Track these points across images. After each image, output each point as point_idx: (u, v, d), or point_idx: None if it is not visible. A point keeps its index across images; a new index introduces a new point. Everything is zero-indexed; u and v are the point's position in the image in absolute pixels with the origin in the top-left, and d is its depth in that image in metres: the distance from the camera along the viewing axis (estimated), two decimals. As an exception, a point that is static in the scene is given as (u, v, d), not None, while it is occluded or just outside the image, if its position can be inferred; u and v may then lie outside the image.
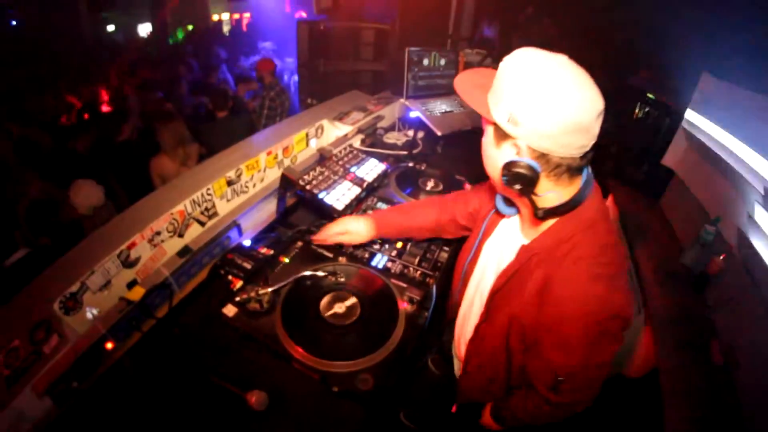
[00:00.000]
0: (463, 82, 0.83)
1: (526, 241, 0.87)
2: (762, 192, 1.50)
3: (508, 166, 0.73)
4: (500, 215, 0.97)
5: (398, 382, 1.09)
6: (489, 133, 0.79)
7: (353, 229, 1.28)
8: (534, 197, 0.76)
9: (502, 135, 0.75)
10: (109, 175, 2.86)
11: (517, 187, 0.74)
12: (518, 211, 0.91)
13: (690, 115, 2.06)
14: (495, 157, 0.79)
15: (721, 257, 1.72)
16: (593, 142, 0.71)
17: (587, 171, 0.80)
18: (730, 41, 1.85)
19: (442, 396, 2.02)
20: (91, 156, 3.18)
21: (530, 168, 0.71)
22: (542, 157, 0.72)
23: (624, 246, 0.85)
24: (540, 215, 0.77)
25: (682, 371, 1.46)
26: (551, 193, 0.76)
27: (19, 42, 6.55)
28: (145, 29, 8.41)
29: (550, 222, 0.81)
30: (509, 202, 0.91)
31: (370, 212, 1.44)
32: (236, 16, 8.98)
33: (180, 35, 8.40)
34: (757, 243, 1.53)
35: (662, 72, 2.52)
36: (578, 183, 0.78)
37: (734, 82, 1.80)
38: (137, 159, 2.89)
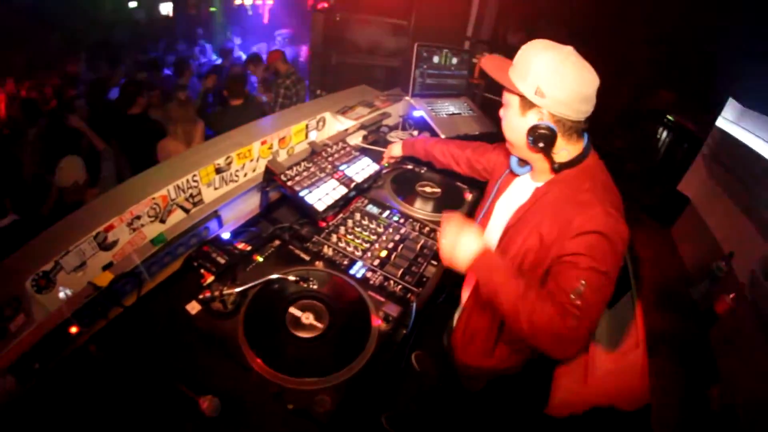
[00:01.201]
0: (488, 63, 1.03)
1: (539, 184, 1.06)
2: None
3: (534, 129, 0.93)
4: (513, 175, 1.16)
5: (360, 406, 1.02)
6: (514, 105, 0.98)
7: (392, 148, 1.76)
8: (552, 154, 0.97)
9: (527, 105, 0.94)
10: (112, 146, 2.84)
11: (541, 145, 0.93)
12: (531, 169, 1.11)
13: (721, 122, 1.89)
14: (520, 123, 0.97)
15: (731, 296, 1.61)
16: (592, 110, 0.94)
17: (587, 136, 1.01)
18: (760, 69, 1.72)
19: (426, 395, 1.97)
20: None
21: (551, 129, 0.92)
22: (559, 121, 0.93)
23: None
24: (557, 168, 0.98)
25: (677, 412, 1.37)
26: (564, 150, 0.97)
27: (33, 16, 6.44)
28: (167, 8, 8.33)
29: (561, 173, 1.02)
30: (522, 163, 1.11)
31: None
32: (259, 1, 8.83)
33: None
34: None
35: (685, 95, 2.38)
36: (582, 143, 0.99)
37: (761, 111, 1.67)
38: (144, 133, 2.89)
